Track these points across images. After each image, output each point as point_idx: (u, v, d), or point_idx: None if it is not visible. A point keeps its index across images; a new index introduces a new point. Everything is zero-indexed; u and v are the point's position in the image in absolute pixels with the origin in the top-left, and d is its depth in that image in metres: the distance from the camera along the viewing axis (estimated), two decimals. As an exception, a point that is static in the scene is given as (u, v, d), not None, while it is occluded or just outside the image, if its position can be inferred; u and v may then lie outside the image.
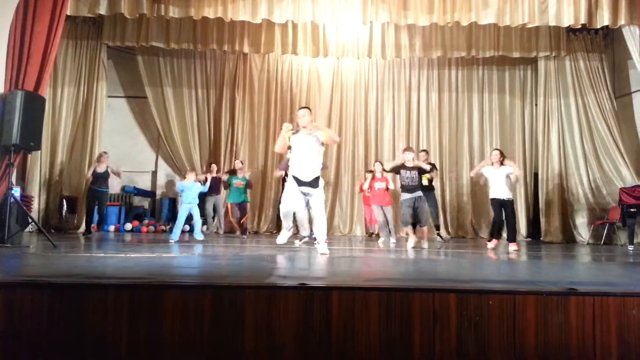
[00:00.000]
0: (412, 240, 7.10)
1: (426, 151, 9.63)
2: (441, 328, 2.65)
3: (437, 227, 9.28)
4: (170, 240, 7.31)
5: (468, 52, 10.44)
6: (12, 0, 5.94)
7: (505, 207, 7.35)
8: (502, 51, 10.40)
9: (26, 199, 7.09)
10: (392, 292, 2.73)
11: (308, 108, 5.67)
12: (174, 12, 8.56)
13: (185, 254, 5.41)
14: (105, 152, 9.39)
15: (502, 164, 7.38)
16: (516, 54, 10.51)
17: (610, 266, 5.16)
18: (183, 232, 8.08)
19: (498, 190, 7.36)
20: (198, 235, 7.84)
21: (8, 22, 5.97)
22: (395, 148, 11.35)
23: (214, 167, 10.19)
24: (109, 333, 2.62)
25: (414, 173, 7.14)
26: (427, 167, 7.72)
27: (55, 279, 3.01)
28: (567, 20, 8.45)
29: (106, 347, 2.62)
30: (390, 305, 2.67)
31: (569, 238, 10.08)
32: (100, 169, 9.09)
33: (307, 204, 5.60)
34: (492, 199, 7.47)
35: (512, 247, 7.13)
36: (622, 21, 8.28)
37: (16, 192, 6.10)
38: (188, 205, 7.75)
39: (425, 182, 7.93)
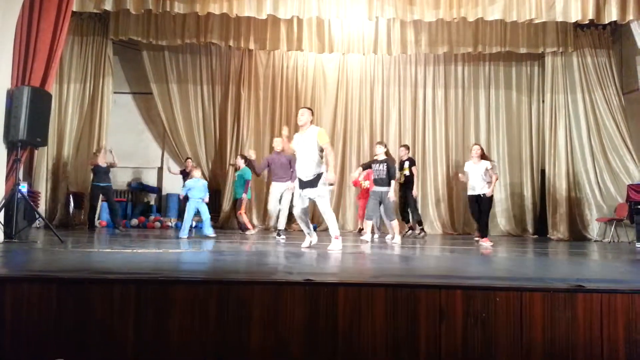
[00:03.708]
0: (368, 236, 7.33)
1: (407, 146, 9.60)
2: (447, 324, 2.64)
3: (419, 222, 9.13)
4: (181, 237, 7.26)
5: (474, 48, 10.37)
6: (19, -4, 5.96)
7: (481, 202, 7.67)
8: (509, 47, 10.31)
9: (33, 194, 7.14)
10: (398, 288, 2.72)
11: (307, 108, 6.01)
12: (179, 8, 8.54)
13: (191, 250, 5.42)
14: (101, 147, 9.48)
15: (481, 159, 7.75)
16: (523, 50, 10.42)
17: (617, 263, 5.13)
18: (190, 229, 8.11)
19: (476, 185, 7.68)
20: (208, 231, 7.78)
21: (15, 19, 5.98)
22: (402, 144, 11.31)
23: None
24: (116, 328, 2.63)
25: (383, 166, 7.36)
26: (400, 166, 8.40)
27: (62, 274, 3.03)
28: (575, 16, 8.37)
29: (112, 341, 2.63)
30: (397, 301, 2.66)
31: (575, 235, 10.00)
32: (102, 163, 9.13)
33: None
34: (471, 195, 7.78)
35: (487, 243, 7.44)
36: (630, 16, 8.18)
37: (23, 187, 6.14)
38: (195, 201, 7.76)
39: (401, 178, 8.20)
